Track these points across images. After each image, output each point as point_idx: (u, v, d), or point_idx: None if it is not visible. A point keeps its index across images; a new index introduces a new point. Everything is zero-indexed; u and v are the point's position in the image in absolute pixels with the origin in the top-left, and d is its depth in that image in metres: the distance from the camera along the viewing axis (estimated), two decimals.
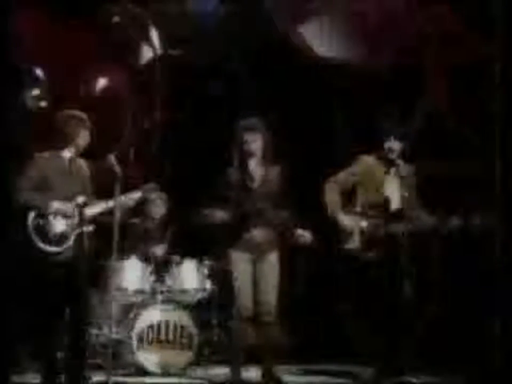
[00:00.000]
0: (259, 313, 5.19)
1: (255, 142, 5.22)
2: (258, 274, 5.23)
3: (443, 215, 5.29)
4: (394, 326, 5.21)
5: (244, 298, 5.17)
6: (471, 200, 5.37)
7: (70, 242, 5.04)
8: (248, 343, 5.23)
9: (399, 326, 5.19)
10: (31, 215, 4.99)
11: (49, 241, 4.99)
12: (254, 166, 5.20)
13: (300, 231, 5.23)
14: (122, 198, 5.26)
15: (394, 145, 5.43)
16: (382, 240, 5.34)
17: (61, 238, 5.02)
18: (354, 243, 5.43)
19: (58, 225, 5.02)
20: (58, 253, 5.00)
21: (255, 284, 5.22)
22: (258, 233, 5.22)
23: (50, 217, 5.00)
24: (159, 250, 6.56)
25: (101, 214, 5.23)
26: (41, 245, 4.97)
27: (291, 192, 5.36)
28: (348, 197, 5.57)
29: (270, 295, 5.22)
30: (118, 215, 5.06)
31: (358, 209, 5.50)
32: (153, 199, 6.67)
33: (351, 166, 5.57)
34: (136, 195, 5.42)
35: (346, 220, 5.45)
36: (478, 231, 5.03)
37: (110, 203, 5.15)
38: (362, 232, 5.41)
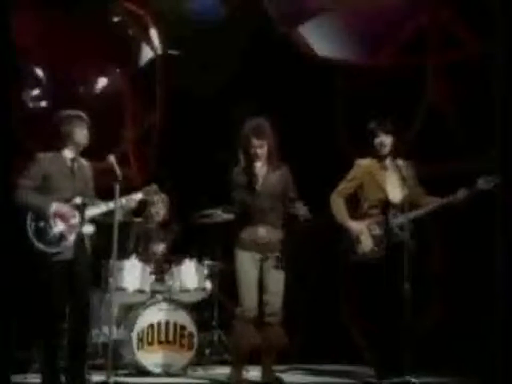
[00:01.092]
0: (264, 313, 5.17)
1: (262, 147, 5.23)
2: (264, 275, 5.20)
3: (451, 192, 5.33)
4: (398, 325, 5.21)
5: (248, 299, 5.15)
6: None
7: (69, 243, 5.03)
8: (250, 343, 5.20)
9: (403, 325, 5.18)
10: (30, 215, 4.98)
11: (47, 242, 4.98)
12: (260, 168, 5.21)
13: (299, 204, 5.16)
14: (124, 200, 5.25)
15: (384, 139, 5.48)
16: (391, 235, 5.36)
17: (60, 239, 5.01)
18: (366, 246, 5.45)
19: (58, 225, 5.01)
20: (57, 253, 4.98)
21: (261, 284, 5.20)
22: (264, 233, 5.20)
23: (50, 218, 4.99)
24: (159, 248, 6.55)
25: (102, 215, 5.22)
26: (40, 246, 4.96)
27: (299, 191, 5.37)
28: (355, 203, 5.60)
29: (276, 296, 5.19)
30: (117, 216, 5.05)
31: (364, 210, 5.54)
32: (155, 200, 6.67)
33: (349, 173, 5.62)
34: (138, 196, 5.40)
35: (354, 225, 5.48)
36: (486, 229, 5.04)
37: (111, 204, 5.14)
38: (372, 232, 5.44)
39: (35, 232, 4.97)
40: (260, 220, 5.20)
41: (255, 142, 5.21)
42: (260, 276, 5.20)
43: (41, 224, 4.98)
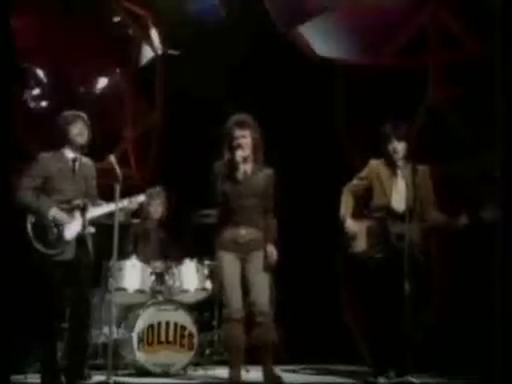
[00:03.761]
0: (253, 313, 5.15)
1: (244, 137, 5.18)
2: (247, 275, 5.15)
3: (452, 214, 5.31)
4: (397, 326, 5.20)
5: (234, 300, 5.10)
6: (476, 198, 5.36)
7: (69, 244, 5.02)
8: (239, 344, 5.18)
9: (402, 326, 5.18)
10: (30, 216, 4.98)
11: (47, 243, 4.98)
12: (241, 161, 5.16)
13: (270, 248, 5.20)
14: (125, 202, 5.24)
15: (397, 146, 5.45)
16: (388, 242, 5.35)
17: (59, 240, 5.00)
18: (360, 246, 5.46)
19: (57, 227, 5.01)
20: (56, 254, 4.98)
21: (246, 284, 5.15)
22: (244, 233, 5.16)
23: (50, 219, 4.99)
24: (159, 265, 6.52)
25: (103, 216, 5.22)
26: (39, 247, 4.96)
27: (284, 196, 5.35)
28: (363, 202, 5.60)
29: (262, 295, 5.12)
30: (118, 216, 5.05)
31: (368, 211, 5.54)
32: (154, 200, 6.68)
33: (362, 171, 5.63)
34: (140, 199, 5.39)
35: (351, 224, 5.48)
36: (485, 230, 5.00)
37: (112, 205, 5.13)
38: (368, 234, 5.44)
39: (35, 233, 4.97)
40: (241, 219, 5.14)
41: (238, 132, 5.16)
42: (243, 276, 5.16)
43: (41, 225, 4.98)
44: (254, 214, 5.17)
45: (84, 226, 5.07)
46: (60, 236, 4.99)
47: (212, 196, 5.24)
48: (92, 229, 5.14)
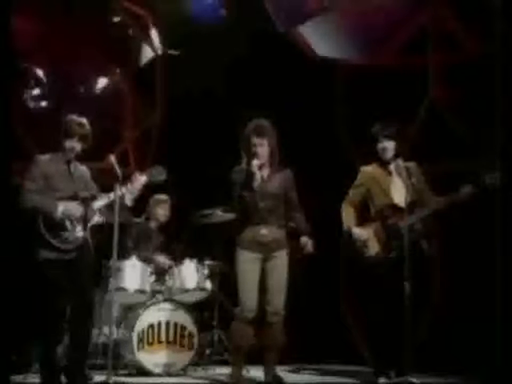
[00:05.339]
0: (266, 313, 5.16)
1: (262, 146, 5.22)
2: (266, 274, 5.18)
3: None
4: (399, 325, 5.20)
5: (248, 299, 5.13)
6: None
7: (75, 241, 5.04)
8: (246, 343, 5.19)
9: (404, 325, 5.17)
10: (41, 216, 4.98)
11: (64, 240, 4.99)
12: (261, 167, 5.20)
13: (305, 239, 5.24)
14: (129, 185, 5.22)
15: (386, 145, 5.49)
16: (402, 236, 5.35)
17: (76, 236, 5.03)
18: (373, 249, 5.47)
19: (72, 224, 5.03)
20: (71, 250, 4.99)
21: (263, 283, 5.18)
22: (266, 232, 5.20)
23: (60, 215, 4.99)
24: (163, 259, 6.53)
25: (106, 206, 5.21)
26: (57, 244, 4.96)
27: (300, 198, 5.37)
28: (364, 209, 5.62)
29: (278, 296, 5.17)
30: (128, 201, 5.08)
31: (371, 216, 5.56)
32: (161, 201, 6.70)
33: (355, 180, 5.64)
34: (142, 179, 5.31)
35: (359, 231, 5.50)
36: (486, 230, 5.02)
37: (112, 196, 5.13)
38: (378, 235, 5.46)
39: (48, 232, 4.97)
40: (261, 219, 5.19)
41: (255, 140, 5.21)
42: (261, 275, 5.19)
43: (56, 223, 4.99)
44: (273, 215, 5.21)
45: (91, 220, 5.10)
46: (75, 232, 5.02)
47: (230, 199, 5.30)
48: (100, 219, 5.16)
